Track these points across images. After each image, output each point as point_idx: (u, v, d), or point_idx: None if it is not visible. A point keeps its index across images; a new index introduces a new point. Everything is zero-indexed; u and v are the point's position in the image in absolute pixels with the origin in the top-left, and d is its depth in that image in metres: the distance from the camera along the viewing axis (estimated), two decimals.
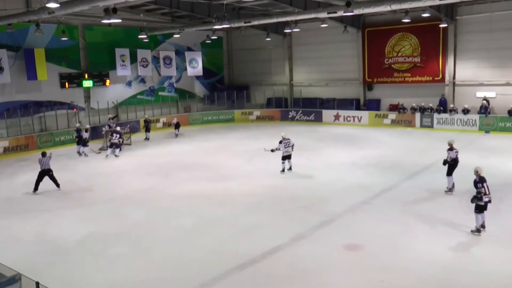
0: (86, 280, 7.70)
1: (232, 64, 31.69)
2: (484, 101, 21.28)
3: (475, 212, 8.98)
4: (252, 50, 29.72)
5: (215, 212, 11.04)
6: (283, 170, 14.35)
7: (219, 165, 16.22)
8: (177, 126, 23.32)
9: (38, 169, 13.10)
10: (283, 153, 14.20)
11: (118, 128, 19.39)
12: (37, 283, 5.11)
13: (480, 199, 8.83)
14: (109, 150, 18.10)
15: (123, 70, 24.15)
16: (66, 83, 22.27)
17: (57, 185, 13.35)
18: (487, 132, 21.07)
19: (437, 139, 19.78)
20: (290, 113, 27.53)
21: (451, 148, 11.82)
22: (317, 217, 10.39)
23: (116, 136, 17.95)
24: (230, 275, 7.71)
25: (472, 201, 9.01)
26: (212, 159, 17.19)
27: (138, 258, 8.51)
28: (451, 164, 11.76)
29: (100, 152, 19.17)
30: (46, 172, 13.11)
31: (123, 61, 24.03)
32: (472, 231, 9.06)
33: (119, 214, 11.16)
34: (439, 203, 11.14)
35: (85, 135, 18.64)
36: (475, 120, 21.45)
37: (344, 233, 9.43)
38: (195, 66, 27.71)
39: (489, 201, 8.92)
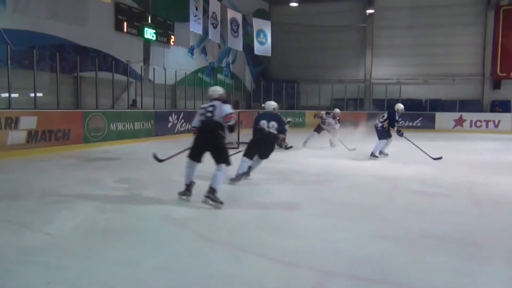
0: None
1: (277, 53, 23.15)
2: None
3: None
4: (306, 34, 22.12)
5: None
6: None
7: None
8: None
9: None
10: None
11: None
12: None
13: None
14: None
15: (196, 25, 14.28)
16: (124, 24, 12.11)
17: None
18: None
19: None
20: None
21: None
22: None
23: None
24: None
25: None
26: None
27: None
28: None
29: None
30: None
31: (196, 8, 14.29)
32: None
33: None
34: None
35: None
36: None
37: None
38: (263, 41, 18.73)
39: None
